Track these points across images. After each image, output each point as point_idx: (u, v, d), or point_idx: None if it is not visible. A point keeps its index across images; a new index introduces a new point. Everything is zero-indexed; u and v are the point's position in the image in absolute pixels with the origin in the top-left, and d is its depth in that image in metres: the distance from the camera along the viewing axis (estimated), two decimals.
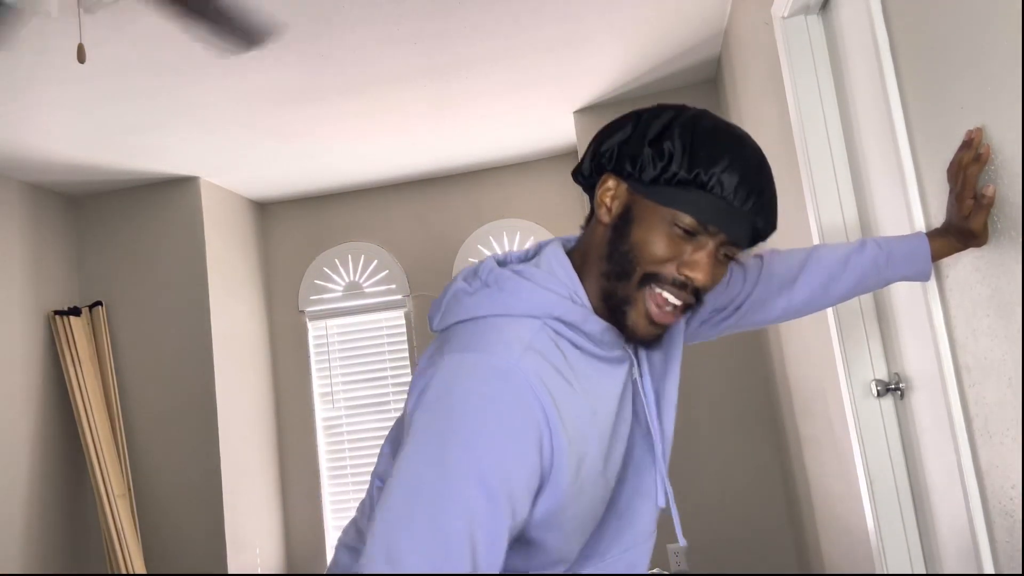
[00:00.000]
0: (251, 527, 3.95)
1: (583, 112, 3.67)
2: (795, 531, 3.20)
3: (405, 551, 0.72)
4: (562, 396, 0.82)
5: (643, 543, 0.98)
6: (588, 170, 0.93)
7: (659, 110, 0.89)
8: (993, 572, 1.18)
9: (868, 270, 1.20)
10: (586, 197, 0.96)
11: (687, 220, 0.84)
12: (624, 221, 0.87)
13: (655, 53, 3.14)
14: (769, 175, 0.87)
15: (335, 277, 4.44)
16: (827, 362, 2.09)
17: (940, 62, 1.14)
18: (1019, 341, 1.00)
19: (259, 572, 3.94)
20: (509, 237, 4.26)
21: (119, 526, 3.60)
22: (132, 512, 3.72)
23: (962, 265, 1.17)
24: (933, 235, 1.19)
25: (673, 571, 3.36)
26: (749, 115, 2.78)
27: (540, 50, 2.96)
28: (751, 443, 3.37)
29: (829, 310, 1.92)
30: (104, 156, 3.54)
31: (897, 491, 1.80)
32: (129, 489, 3.75)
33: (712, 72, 3.46)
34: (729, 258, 0.88)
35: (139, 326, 3.93)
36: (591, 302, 0.90)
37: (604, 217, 0.89)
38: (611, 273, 0.88)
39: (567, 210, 4.19)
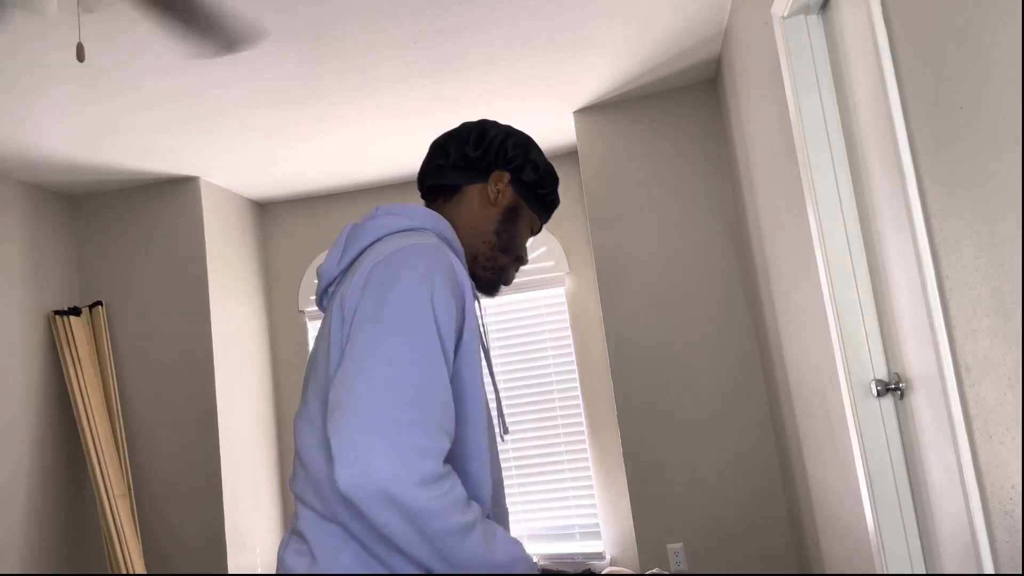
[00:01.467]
0: (251, 527, 3.95)
1: (583, 112, 3.67)
2: (795, 531, 3.20)
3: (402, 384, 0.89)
4: (465, 274, 1.05)
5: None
6: (483, 163, 1.19)
7: (527, 136, 1.23)
8: (993, 572, 1.18)
9: None
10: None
11: (538, 224, 1.26)
12: (514, 213, 1.20)
13: (655, 53, 3.14)
14: None
15: None
16: (827, 362, 2.09)
17: (940, 62, 1.14)
18: (1019, 341, 1.00)
19: (259, 572, 3.94)
20: None
21: (119, 526, 3.60)
22: (132, 512, 3.72)
23: (962, 265, 1.17)
24: None
25: (673, 571, 3.36)
26: (749, 115, 2.78)
27: (540, 50, 2.96)
28: (751, 443, 3.37)
29: (829, 309, 1.92)
30: (104, 156, 3.54)
31: (897, 491, 1.80)
32: (129, 489, 3.75)
33: (712, 72, 3.46)
34: None
35: (139, 326, 3.93)
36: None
37: (492, 202, 1.19)
38: (497, 246, 1.19)
39: (567, 209, 4.19)
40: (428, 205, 1.24)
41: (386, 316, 0.93)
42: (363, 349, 0.91)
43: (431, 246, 1.01)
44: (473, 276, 1.21)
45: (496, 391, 1.27)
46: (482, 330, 1.17)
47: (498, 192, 1.19)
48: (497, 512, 1.10)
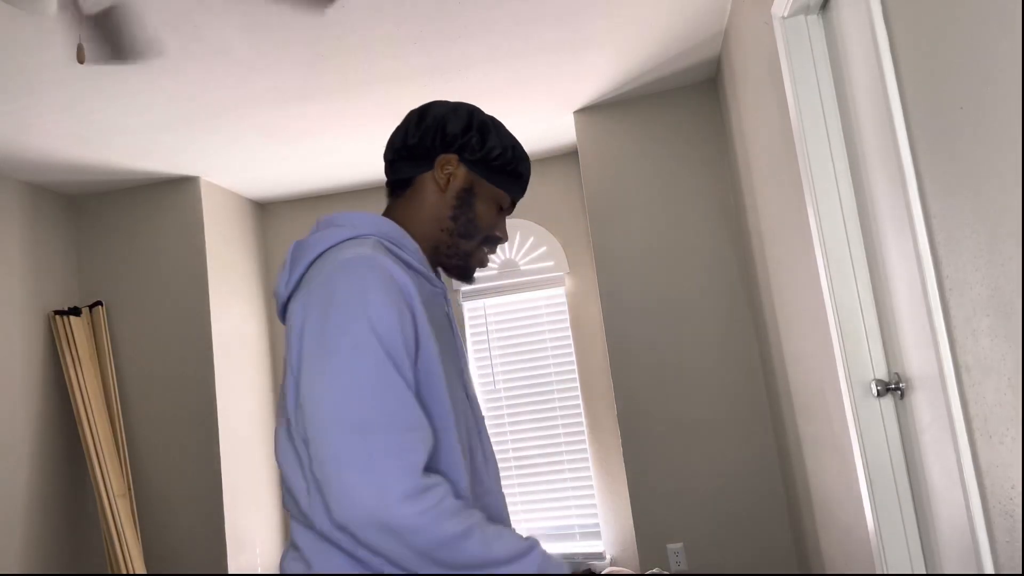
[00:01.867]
0: (251, 527, 3.95)
1: (583, 112, 3.67)
2: (795, 531, 3.20)
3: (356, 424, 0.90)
4: (407, 280, 1.02)
5: (497, 488, 1.13)
6: (423, 150, 1.15)
7: (472, 108, 1.16)
8: (993, 572, 1.18)
9: None
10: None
11: (508, 199, 1.18)
12: (469, 195, 1.14)
13: (655, 53, 3.14)
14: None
15: None
16: (827, 362, 2.09)
17: (940, 63, 1.14)
18: (1019, 341, 1.00)
19: (259, 572, 3.94)
20: (509, 237, 4.26)
21: (119, 526, 3.60)
22: (132, 512, 3.72)
23: (962, 265, 1.17)
24: None
25: (673, 571, 3.36)
26: (749, 115, 2.78)
27: (540, 50, 2.96)
28: (751, 443, 3.37)
29: (829, 309, 1.92)
30: (104, 156, 3.54)
31: (897, 491, 1.80)
32: (129, 489, 3.75)
33: (712, 72, 3.46)
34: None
35: (139, 326, 3.93)
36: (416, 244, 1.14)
37: (443, 188, 1.14)
38: (455, 231, 1.14)
39: (567, 209, 4.19)
40: (389, 201, 1.20)
41: (328, 346, 0.93)
42: (315, 383, 0.93)
43: (363, 259, 0.98)
44: (442, 266, 1.17)
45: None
46: (451, 324, 1.16)
47: (447, 176, 1.14)
48: (491, 512, 1.10)
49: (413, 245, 1.11)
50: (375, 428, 0.89)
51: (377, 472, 0.87)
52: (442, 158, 1.14)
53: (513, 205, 1.20)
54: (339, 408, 0.90)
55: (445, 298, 1.16)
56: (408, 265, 1.08)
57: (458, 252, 1.15)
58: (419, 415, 0.93)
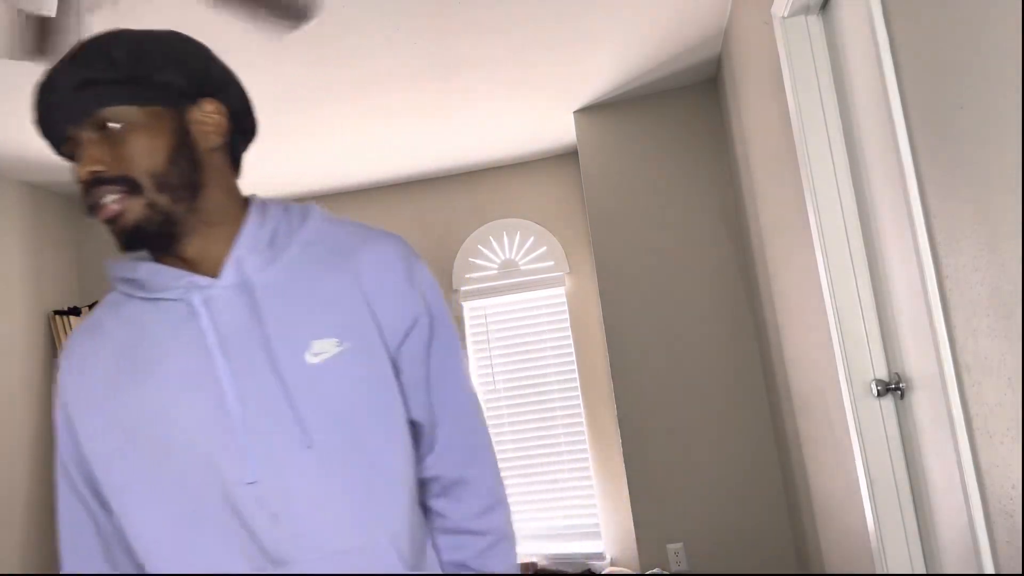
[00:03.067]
0: None
1: (583, 112, 3.67)
2: (795, 531, 3.20)
3: None
4: (85, 350, 0.94)
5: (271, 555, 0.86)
6: None
7: None
8: (993, 572, 1.18)
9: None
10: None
11: (57, 149, 0.94)
12: None
13: (655, 53, 3.14)
14: (69, 56, 0.90)
15: None
16: (827, 362, 2.09)
17: (940, 62, 1.14)
18: (1019, 341, 1.00)
19: None
20: (509, 237, 4.26)
21: None
22: None
23: (962, 265, 1.17)
24: None
25: (673, 571, 3.36)
26: (749, 115, 2.78)
27: (540, 50, 2.96)
28: (751, 442, 3.37)
29: (829, 309, 1.92)
30: None
31: (897, 491, 1.80)
32: None
33: (712, 72, 3.46)
34: (108, 128, 0.91)
35: None
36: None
37: None
38: None
39: (567, 210, 4.19)
40: None
41: None
42: None
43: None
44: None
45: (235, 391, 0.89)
46: (207, 338, 0.88)
47: None
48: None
49: (146, 269, 0.92)
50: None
51: None
52: None
53: (65, 139, 0.93)
54: None
55: (197, 305, 0.90)
56: (148, 299, 0.92)
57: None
58: (78, 534, 0.96)
